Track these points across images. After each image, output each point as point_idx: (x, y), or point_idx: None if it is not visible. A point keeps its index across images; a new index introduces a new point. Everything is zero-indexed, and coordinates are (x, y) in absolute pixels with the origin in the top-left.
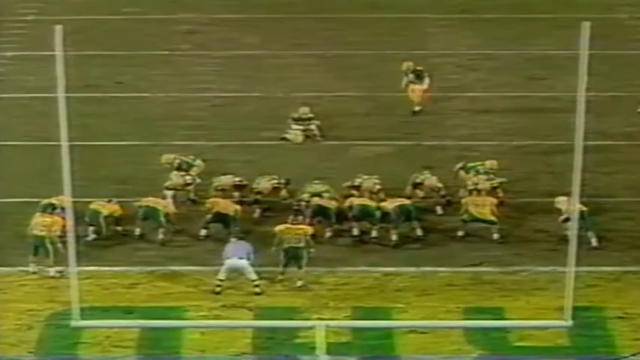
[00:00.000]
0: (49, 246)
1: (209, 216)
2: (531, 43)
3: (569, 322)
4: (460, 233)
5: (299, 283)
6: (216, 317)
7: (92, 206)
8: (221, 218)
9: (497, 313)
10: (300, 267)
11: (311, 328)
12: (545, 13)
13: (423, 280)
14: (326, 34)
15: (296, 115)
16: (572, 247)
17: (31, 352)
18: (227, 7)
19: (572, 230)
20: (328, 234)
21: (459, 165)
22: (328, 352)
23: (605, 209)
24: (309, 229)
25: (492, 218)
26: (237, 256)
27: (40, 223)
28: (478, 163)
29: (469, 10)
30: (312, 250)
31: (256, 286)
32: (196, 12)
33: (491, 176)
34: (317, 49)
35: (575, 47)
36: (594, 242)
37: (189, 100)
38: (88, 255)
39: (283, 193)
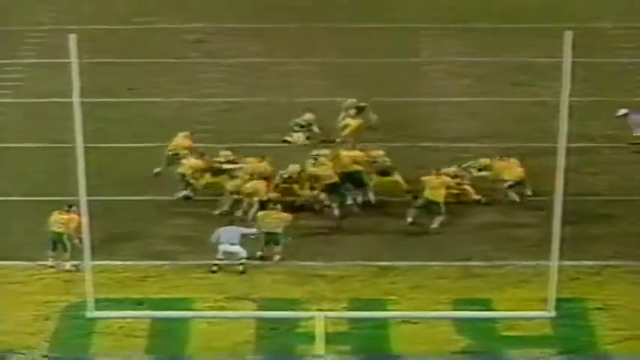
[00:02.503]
0: (67, 242)
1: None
2: (517, 51)
3: (553, 313)
4: (409, 219)
5: (276, 258)
6: (222, 308)
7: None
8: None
9: (485, 305)
10: (277, 244)
11: (311, 318)
12: (531, 23)
13: (415, 273)
14: (326, 43)
15: (299, 120)
16: (555, 243)
17: (47, 342)
18: (233, 17)
19: (556, 227)
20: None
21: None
22: (327, 342)
23: (587, 207)
24: (289, 217)
25: (440, 200)
26: (229, 241)
27: (58, 220)
28: (470, 162)
29: (459, 21)
30: (289, 238)
31: (241, 264)
32: (204, 22)
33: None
34: (318, 57)
35: (559, 55)
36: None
37: (196, 105)
38: (101, 250)
39: None
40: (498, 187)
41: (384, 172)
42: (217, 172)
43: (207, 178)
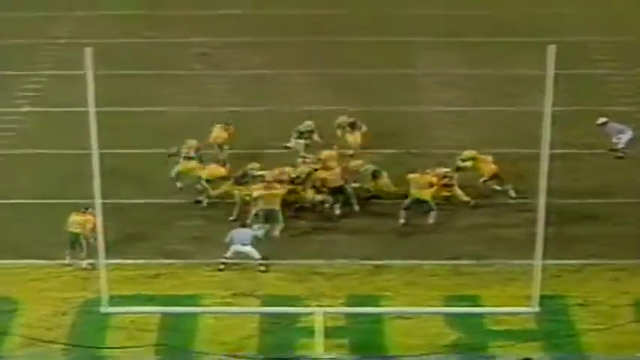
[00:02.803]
0: (83, 241)
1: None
2: (506, 64)
3: (537, 309)
4: (402, 221)
5: (277, 233)
6: (228, 304)
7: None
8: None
9: (474, 301)
10: (277, 222)
11: (310, 314)
12: (519, 37)
13: (408, 271)
14: (325, 55)
15: (300, 128)
16: (539, 243)
17: (65, 335)
18: (237, 31)
19: (539, 228)
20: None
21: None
22: (325, 336)
23: (569, 210)
24: (282, 190)
25: (429, 199)
26: (241, 242)
27: (75, 221)
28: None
29: (453, 35)
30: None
31: (261, 264)
32: (209, 36)
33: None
34: (317, 68)
35: (543, 67)
36: (512, 194)
37: (202, 114)
38: (115, 249)
39: None
40: (486, 189)
41: (374, 176)
42: (239, 181)
43: (228, 186)
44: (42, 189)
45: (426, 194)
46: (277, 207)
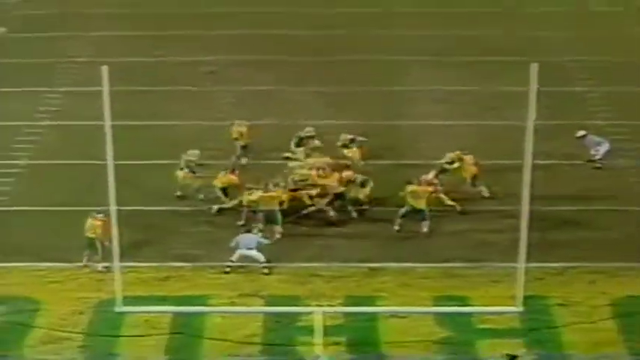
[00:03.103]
0: (99, 245)
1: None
2: (493, 81)
3: (521, 309)
4: (396, 227)
5: (277, 236)
6: (234, 304)
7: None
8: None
9: (462, 301)
10: (276, 223)
11: (310, 313)
12: (504, 56)
13: (402, 274)
14: (324, 73)
15: (301, 134)
16: (523, 248)
17: (82, 333)
18: (242, 50)
19: (523, 233)
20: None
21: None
22: (324, 334)
23: (550, 216)
24: (281, 193)
25: (423, 207)
26: (246, 246)
27: (91, 227)
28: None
29: (443, 54)
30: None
31: (265, 267)
32: (216, 55)
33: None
34: (317, 85)
35: (526, 84)
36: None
37: (210, 127)
38: (129, 253)
39: None
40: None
41: (362, 185)
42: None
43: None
44: (61, 197)
45: (422, 203)
46: (276, 207)
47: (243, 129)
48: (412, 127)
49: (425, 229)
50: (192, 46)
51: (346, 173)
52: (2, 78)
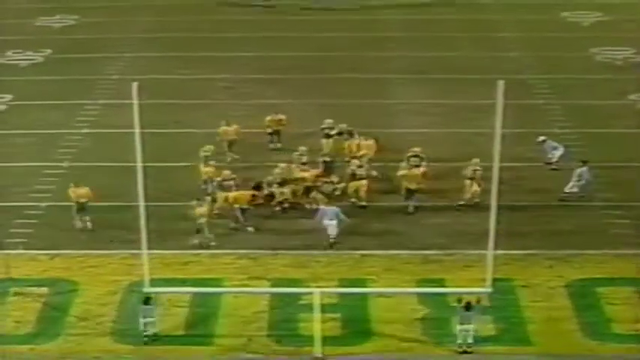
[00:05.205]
0: (205, 228)
1: None
2: (465, 96)
3: (490, 289)
4: (410, 210)
5: (250, 229)
6: (244, 285)
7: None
8: None
9: (440, 283)
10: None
11: (310, 293)
12: (475, 74)
13: (388, 260)
14: (323, 88)
15: (324, 126)
16: (491, 237)
17: (115, 310)
18: (254, 69)
19: (492, 224)
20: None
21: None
22: (322, 311)
23: (517, 209)
24: (248, 194)
25: (413, 187)
26: (329, 218)
27: (199, 213)
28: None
29: (422, 72)
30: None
31: (332, 238)
32: (231, 73)
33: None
34: (316, 98)
35: (493, 98)
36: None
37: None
38: (155, 242)
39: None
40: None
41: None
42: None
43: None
44: (97, 194)
45: (413, 184)
46: (248, 206)
47: (232, 128)
48: (395, 135)
49: (410, 209)
50: (210, 65)
51: (317, 170)
52: (49, 92)
